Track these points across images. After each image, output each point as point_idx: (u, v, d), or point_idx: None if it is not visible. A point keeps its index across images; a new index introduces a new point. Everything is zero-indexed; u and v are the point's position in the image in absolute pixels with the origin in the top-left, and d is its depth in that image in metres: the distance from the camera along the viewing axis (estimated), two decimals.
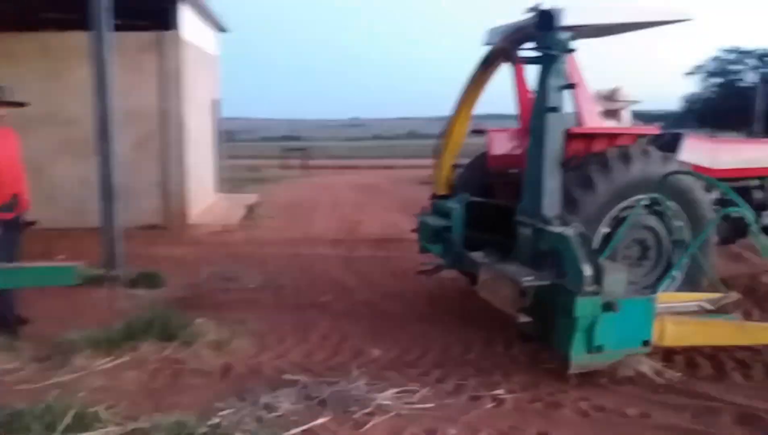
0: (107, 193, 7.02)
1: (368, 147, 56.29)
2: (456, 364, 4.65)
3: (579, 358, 3.96)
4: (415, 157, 37.59)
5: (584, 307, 3.83)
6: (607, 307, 3.83)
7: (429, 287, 6.77)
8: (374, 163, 31.81)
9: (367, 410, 3.78)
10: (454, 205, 5.71)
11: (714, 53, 48.59)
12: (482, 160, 6.40)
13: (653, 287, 5.10)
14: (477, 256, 5.16)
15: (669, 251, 5.47)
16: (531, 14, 5.21)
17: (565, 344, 3.98)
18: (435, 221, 5.87)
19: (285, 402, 3.90)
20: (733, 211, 5.18)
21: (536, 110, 4.86)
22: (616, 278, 3.91)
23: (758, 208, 6.28)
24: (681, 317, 4.50)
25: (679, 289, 5.28)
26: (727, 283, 5.61)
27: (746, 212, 4.88)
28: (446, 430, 3.57)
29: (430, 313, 5.99)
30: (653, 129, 6.11)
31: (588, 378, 4.15)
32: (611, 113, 6.33)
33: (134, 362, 4.60)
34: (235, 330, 5.14)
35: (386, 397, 3.95)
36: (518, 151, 6.02)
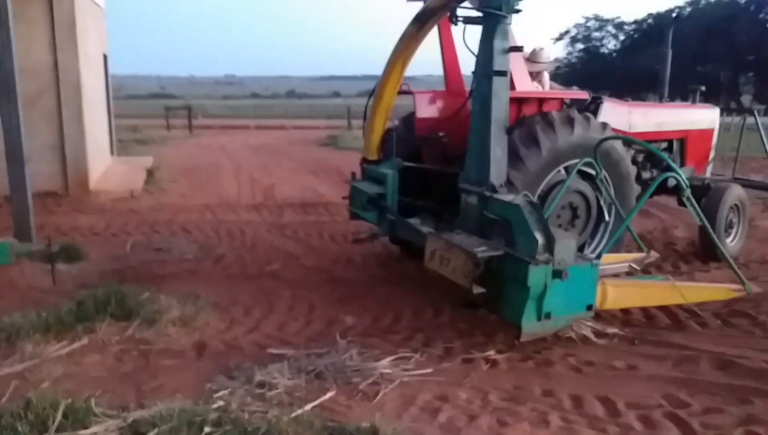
0: (15, 157, 6.28)
1: (247, 106, 54.24)
2: (434, 327, 4.67)
3: (530, 326, 3.96)
4: (301, 118, 37.05)
5: (537, 275, 3.82)
6: (557, 274, 3.85)
7: (375, 251, 6.72)
8: (262, 123, 30.84)
9: (370, 380, 3.71)
10: (388, 171, 5.54)
11: (577, 20, 52.17)
12: (408, 123, 6.17)
13: (596, 252, 5.29)
14: (418, 224, 5.07)
15: (596, 214, 5.59)
16: None
17: (515, 313, 3.97)
18: (369, 188, 5.63)
19: (280, 378, 3.73)
20: (669, 176, 5.39)
21: (481, 74, 4.66)
22: (567, 246, 3.92)
23: (666, 170, 6.47)
24: (620, 280, 4.67)
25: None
26: (644, 240, 6.01)
27: (680, 177, 4.86)
28: (457, 394, 3.59)
29: (387, 277, 5.95)
30: (583, 93, 6.22)
31: (565, 332, 4.31)
32: (533, 75, 6.37)
33: (94, 345, 4.21)
34: (197, 304, 4.82)
35: (384, 365, 3.90)
36: (445, 114, 5.93)
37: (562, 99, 5.82)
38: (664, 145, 6.99)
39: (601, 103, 6.09)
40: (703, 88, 7.56)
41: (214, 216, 8.85)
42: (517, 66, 5.36)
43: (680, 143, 7.09)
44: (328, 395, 3.54)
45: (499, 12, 4.49)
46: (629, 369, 3.93)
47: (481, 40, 4.67)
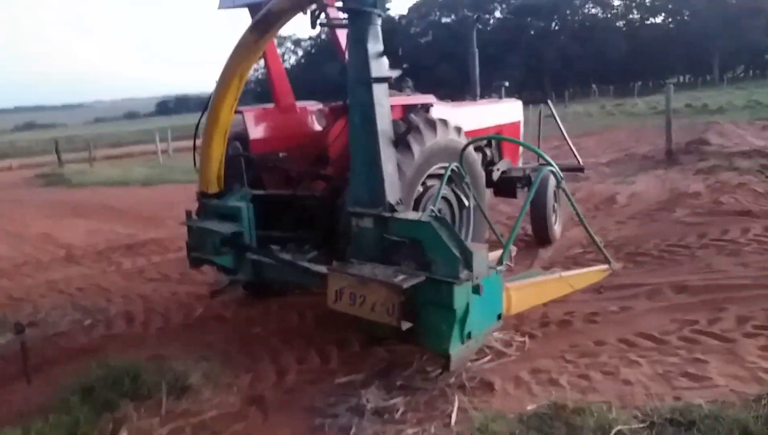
0: None
1: None
2: None
3: (458, 352, 3.66)
4: None
5: (461, 296, 3.53)
6: (475, 290, 3.61)
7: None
8: None
9: (478, 379, 3.88)
10: (240, 204, 4.77)
11: None
12: (239, 145, 5.40)
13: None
14: (301, 261, 4.51)
15: (458, 218, 5.49)
16: None
17: (441, 341, 3.64)
18: (219, 227, 4.71)
19: (389, 400, 3.67)
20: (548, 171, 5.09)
21: (356, 82, 4.06)
22: (482, 257, 3.69)
23: (489, 164, 6.84)
24: (518, 282, 4.47)
25: None
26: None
27: (557, 172, 4.90)
28: (543, 363, 4.02)
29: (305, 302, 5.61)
30: (428, 97, 6.01)
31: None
32: None
33: None
34: (199, 362, 4.26)
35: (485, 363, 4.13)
36: (280, 132, 5.59)
37: (403, 105, 5.58)
38: (485, 142, 6.94)
39: (431, 106, 5.91)
40: (507, 83, 8.56)
41: (44, 278, 7.38)
42: None
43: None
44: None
45: (374, 10, 3.98)
46: (626, 310, 4.79)
47: (351, 45, 4.11)
